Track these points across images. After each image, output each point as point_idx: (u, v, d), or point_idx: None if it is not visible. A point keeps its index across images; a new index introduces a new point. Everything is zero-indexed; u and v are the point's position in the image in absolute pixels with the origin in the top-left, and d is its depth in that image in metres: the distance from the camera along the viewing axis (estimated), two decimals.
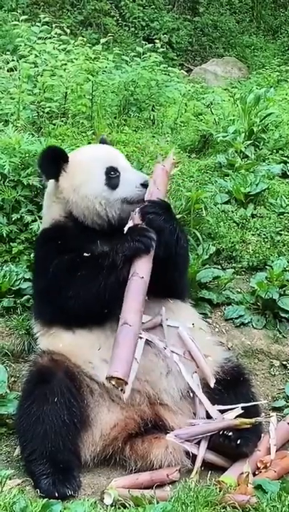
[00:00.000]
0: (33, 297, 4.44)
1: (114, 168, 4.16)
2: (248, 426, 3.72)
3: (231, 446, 3.71)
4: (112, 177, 4.13)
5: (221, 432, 3.73)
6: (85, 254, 4.00)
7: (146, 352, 3.86)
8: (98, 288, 3.82)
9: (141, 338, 3.86)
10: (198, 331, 4.14)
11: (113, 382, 3.37)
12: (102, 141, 4.72)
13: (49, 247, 4.18)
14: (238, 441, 3.70)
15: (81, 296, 3.86)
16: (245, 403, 3.87)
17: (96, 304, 3.85)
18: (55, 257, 4.05)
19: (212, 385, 3.90)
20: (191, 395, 3.89)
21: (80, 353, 3.88)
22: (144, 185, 4.06)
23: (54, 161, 4.21)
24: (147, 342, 3.88)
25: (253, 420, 3.73)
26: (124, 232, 3.88)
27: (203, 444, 3.77)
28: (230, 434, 3.71)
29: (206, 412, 3.85)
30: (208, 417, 3.83)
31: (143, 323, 3.89)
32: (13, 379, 4.36)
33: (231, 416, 3.78)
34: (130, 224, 3.91)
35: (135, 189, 4.07)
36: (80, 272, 3.90)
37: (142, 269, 3.74)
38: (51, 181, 4.28)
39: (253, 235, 5.28)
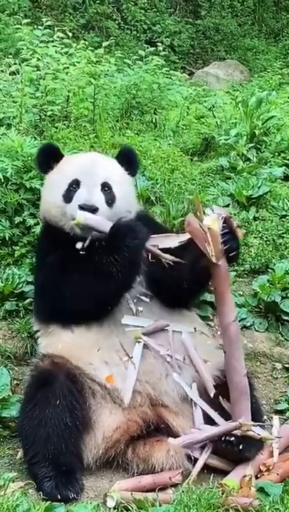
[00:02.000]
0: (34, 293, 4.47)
1: (77, 181, 4.14)
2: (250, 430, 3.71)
3: (234, 451, 3.71)
4: (70, 190, 4.13)
5: (223, 438, 3.72)
6: (78, 245, 3.97)
7: (146, 354, 3.89)
8: (94, 289, 3.85)
9: (140, 342, 3.88)
10: (199, 336, 4.15)
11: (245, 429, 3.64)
12: (123, 153, 4.56)
13: (43, 243, 4.32)
14: (241, 446, 3.70)
15: (77, 295, 3.89)
16: None
17: (91, 303, 3.89)
18: (50, 253, 4.11)
19: (212, 395, 3.89)
20: (190, 398, 3.90)
21: (80, 355, 3.89)
22: (82, 208, 3.98)
23: (46, 157, 4.34)
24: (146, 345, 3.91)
25: (255, 423, 3.73)
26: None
27: (207, 450, 3.77)
28: (233, 439, 3.70)
29: (207, 417, 3.85)
30: (210, 422, 3.83)
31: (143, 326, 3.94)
32: (15, 382, 4.37)
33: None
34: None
35: (76, 209, 4.01)
36: (76, 271, 3.92)
37: (232, 310, 3.85)
38: None
39: (255, 237, 5.29)
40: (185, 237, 3.91)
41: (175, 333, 4.01)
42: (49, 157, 4.34)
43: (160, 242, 3.87)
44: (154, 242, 3.86)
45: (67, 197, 4.12)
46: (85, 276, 3.88)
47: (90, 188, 4.10)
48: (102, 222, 3.90)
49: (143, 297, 4.07)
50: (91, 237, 3.92)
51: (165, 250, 3.85)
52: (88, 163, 4.28)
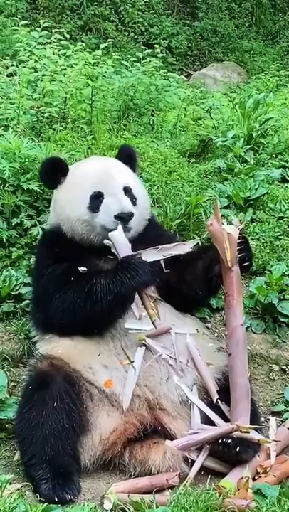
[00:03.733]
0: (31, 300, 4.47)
1: (99, 193, 4.13)
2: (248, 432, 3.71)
3: (231, 453, 3.69)
4: (95, 201, 4.11)
5: (219, 440, 3.71)
6: (81, 268, 3.99)
7: (147, 358, 3.89)
8: (83, 310, 3.88)
9: (144, 345, 3.89)
10: (201, 337, 4.17)
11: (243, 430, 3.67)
12: (123, 151, 4.60)
13: (46, 252, 4.25)
14: (238, 449, 3.68)
15: (67, 312, 3.92)
16: None
17: (79, 323, 3.92)
18: (50, 264, 4.10)
19: (215, 400, 3.89)
20: (190, 401, 3.90)
21: (80, 359, 3.90)
22: (119, 218, 4.00)
23: (52, 173, 4.28)
24: (148, 348, 3.92)
25: (252, 426, 3.73)
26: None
27: (204, 452, 3.76)
28: (230, 441, 3.69)
29: (206, 419, 3.85)
30: (209, 424, 3.83)
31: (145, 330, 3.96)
32: (12, 384, 4.36)
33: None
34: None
35: (111, 219, 4.03)
36: (72, 288, 3.93)
37: (241, 314, 3.95)
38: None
39: (252, 239, 5.28)
40: (191, 244, 4.12)
41: (178, 335, 4.01)
42: (55, 172, 4.28)
43: (173, 250, 4.01)
44: (167, 251, 3.99)
45: (93, 208, 4.10)
46: (77, 295, 3.89)
47: (116, 195, 4.11)
48: (126, 249, 3.93)
49: (149, 298, 4.05)
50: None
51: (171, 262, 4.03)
52: (102, 171, 4.26)
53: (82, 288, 3.88)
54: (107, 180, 4.19)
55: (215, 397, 3.89)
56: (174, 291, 4.19)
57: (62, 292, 3.94)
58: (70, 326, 3.95)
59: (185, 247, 4.07)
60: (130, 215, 4.03)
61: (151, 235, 4.31)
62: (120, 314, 3.93)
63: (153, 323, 3.87)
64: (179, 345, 3.98)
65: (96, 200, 4.11)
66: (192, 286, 4.19)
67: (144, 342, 3.91)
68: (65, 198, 4.25)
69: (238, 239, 3.95)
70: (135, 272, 3.81)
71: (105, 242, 3.98)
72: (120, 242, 3.93)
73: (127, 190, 4.21)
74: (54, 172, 4.28)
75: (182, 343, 4.01)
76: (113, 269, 3.89)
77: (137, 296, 3.87)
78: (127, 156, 4.51)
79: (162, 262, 4.00)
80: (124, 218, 4.00)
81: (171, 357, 3.92)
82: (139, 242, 4.13)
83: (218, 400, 3.89)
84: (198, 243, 4.42)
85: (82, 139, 6.15)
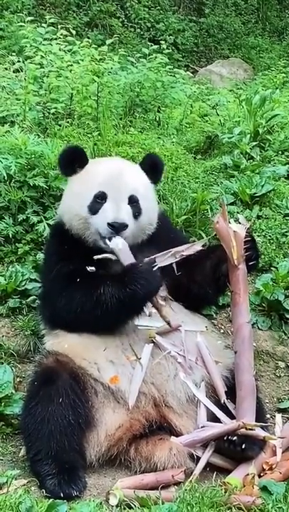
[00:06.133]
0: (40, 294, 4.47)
1: (103, 194, 4.07)
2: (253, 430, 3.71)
3: (236, 450, 3.69)
4: (97, 202, 4.06)
5: (225, 437, 3.71)
6: (90, 268, 3.96)
7: (155, 355, 3.89)
8: (91, 312, 3.88)
9: (153, 342, 3.89)
10: (210, 335, 4.19)
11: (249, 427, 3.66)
12: (147, 159, 4.47)
13: (55, 247, 4.25)
14: (243, 446, 3.68)
15: (75, 312, 3.92)
16: None
17: (86, 323, 3.92)
18: (58, 260, 4.10)
19: (222, 400, 3.88)
20: (196, 398, 3.90)
21: (86, 354, 3.90)
22: (112, 226, 3.94)
23: (69, 161, 4.24)
24: (156, 345, 3.92)
25: (258, 424, 3.73)
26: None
27: (209, 448, 3.77)
28: (235, 438, 3.69)
29: (212, 417, 3.84)
30: (216, 422, 3.82)
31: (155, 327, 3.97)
32: (18, 379, 4.36)
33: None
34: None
35: (104, 225, 3.98)
36: (80, 289, 3.93)
37: (247, 312, 3.99)
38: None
39: (258, 236, 5.26)
40: (201, 243, 4.14)
41: (188, 333, 4.01)
42: (73, 161, 4.23)
43: (185, 252, 4.03)
44: (179, 253, 4.01)
45: (93, 209, 4.05)
46: (86, 300, 3.89)
47: (118, 202, 4.03)
48: (128, 255, 3.90)
49: (159, 300, 4.05)
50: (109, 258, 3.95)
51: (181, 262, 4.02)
52: (115, 173, 4.18)
53: (91, 295, 3.86)
54: (115, 183, 4.11)
55: (223, 397, 3.89)
56: (184, 291, 4.19)
57: (70, 292, 3.94)
58: (75, 325, 3.95)
59: (196, 247, 4.06)
60: (123, 227, 3.95)
61: (162, 237, 4.27)
62: (131, 321, 3.95)
63: (168, 323, 3.89)
64: (188, 343, 3.97)
65: (98, 201, 4.05)
66: (202, 286, 4.20)
67: (153, 339, 3.91)
68: (73, 189, 4.25)
69: (245, 237, 3.95)
70: (144, 280, 3.79)
71: (104, 246, 3.98)
72: (121, 249, 3.90)
73: (133, 200, 4.11)
74: (71, 161, 4.23)
75: (191, 340, 4.01)
76: (120, 278, 3.85)
77: None
78: (150, 165, 4.37)
79: (174, 265, 3.99)
80: (116, 228, 3.93)
81: (180, 354, 3.92)
82: (149, 244, 4.13)
83: (225, 400, 3.88)
84: (207, 242, 4.41)
85: (88, 135, 6.15)
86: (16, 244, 4.92)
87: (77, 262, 4.00)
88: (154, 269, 3.84)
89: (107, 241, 3.95)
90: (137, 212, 4.11)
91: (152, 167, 4.38)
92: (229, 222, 3.99)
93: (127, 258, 3.88)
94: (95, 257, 3.90)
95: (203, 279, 4.19)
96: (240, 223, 4.01)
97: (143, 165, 4.38)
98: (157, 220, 4.33)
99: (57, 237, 4.32)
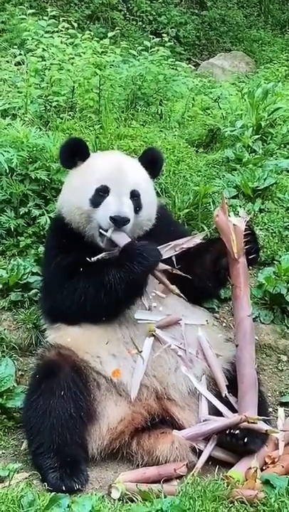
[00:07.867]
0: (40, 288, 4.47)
1: (106, 187, 4.05)
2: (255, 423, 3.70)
3: (239, 444, 3.68)
4: (99, 195, 4.05)
5: (227, 431, 3.71)
6: (93, 258, 3.94)
7: (156, 348, 3.88)
8: (95, 300, 3.88)
9: (153, 335, 3.88)
10: (211, 328, 4.17)
11: (251, 421, 3.65)
12: (146, 153, 4.45)
13: (55, 241, 4.25)
14: (246, 440, 3.67)
15: (77, 302, 3.92)
16: None
17: (90, 312, 3.92)
18: (59, 253, 4.09)
19: (223, 394, 3.88)
20: (198, 392, 3.90)
21: (88, 347, 3.89)
22: (113, 220, 3.92)
23: (70, 153, 4.22)
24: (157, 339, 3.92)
25: (260, 418, 3.72)
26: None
27: (211, 442, 3.76)
28: (237, 432, 3.68)
29: (214, 410, 3.84)
30: (217, 415, 3.82)
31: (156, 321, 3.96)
32: (20, 373, 4.37)
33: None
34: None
35: (106, 219, 3.96)
36: (82, 278, 3.93)
37: (248, 305, 3.98)
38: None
39: (260, 229, 5.26)
40: (201, 236, 4.20)
41: (188, 326, 4.01)
42: (75, 153, 4.22)
43: (185, 244, 4.09)
44: (179, 246, 4.07)
45: (95, 202, 4.04)
46: (88, 286, 3.89)
47: (120, 196, 4.02)
48: (124, 238, 3.91)
49: (159, 293, 4.04)
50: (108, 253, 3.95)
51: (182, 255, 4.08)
52: (116, 168, 4.15)
53: (94, 279, 3.87)
54: (117, 178, 4.09)
55: (224, 391, 3.88)
56: (184, 284, 4.15)
57: (72, 282, 3.93)
58: (78, 315, 3.94)
59: (195, 240, 4.10)
60: (125, 221, 3.94)
61: (162, 230, 4.27)
62: (137, 300, 3.96)
63: (178, 294, 3.96)
64: (188, 336, 3.97)
65: (100, 194, 4.04)
66: (202, 279, 4.17)
67: (153, 333, 3.90)
68: (73, 182, 4.23)
69: (245, 231, 3.94)
70: (141, 256, 3.81)
71: (100, 242, 4.01)
72: (116, 236, 3.92)
73: (135, 195, 4.11)
74: (72, 153, 4.22)
75: (192, 334, 4.01)
76: (119, 258, 3.87)
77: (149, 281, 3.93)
78: (150, 160, 4.36)
79: (174, 258, 4.02)
80: (118, 222, 3.92)
81: (180, 348, 3.91)
82: (149, 237, 4.11)
83: (227, 394, 3.88)
84: (207, 235, 4.40)
85: (90, 128, 6.14)
86: (18, 237, 4.92)
87: (77, 254, 3.99)
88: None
89: (102, 231, 3.96)
90: (137, 207, 4.11)
91: (152, 162, 4.37)
92: (229, 215, 3.99)
93: (124, 240, 3.90)
94: (92, 259, 3.90)
95: (203, 272, 4.17)
96: (240, 217, 4.01)
97: (143, 159, 4.37)
98: (157, 214, 4.32)
99: (56, 230, 4.32)
